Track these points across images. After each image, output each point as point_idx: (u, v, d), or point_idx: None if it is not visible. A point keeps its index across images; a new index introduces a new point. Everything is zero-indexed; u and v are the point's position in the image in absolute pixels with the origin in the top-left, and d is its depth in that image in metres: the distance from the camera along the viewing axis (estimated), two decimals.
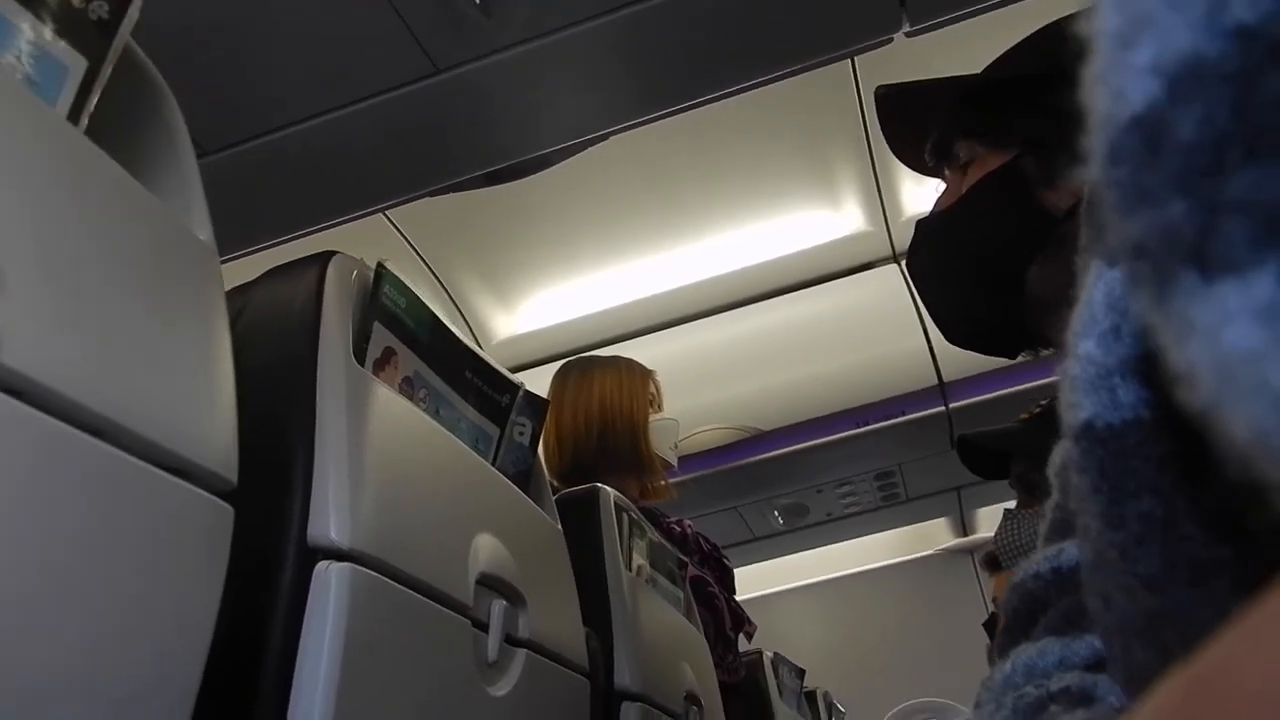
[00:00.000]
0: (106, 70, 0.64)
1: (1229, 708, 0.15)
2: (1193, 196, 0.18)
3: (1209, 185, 0.17)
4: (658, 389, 2.17)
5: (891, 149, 1.14)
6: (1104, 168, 0.19)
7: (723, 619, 2.01)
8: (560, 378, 2.13)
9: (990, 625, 2.60)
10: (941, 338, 1.10)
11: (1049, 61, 0.93)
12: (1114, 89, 0.18)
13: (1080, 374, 0.31)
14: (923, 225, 1.05)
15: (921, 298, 1.09)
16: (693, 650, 1.70)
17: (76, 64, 0.62)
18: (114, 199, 0.61)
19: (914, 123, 1.06)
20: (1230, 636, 0.16)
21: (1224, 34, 0.17)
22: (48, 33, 0.60)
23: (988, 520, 4.20)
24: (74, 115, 0.62)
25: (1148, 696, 0.18)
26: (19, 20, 0.59)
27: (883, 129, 1.12)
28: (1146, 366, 0.28)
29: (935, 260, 1.04)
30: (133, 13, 0.64)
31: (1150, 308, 0.19)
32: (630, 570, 1.47)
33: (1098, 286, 0.31)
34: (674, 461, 2.10)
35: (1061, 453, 0.45)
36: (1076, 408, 0.31)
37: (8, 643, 0.48)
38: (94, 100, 0.63)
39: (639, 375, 2.12)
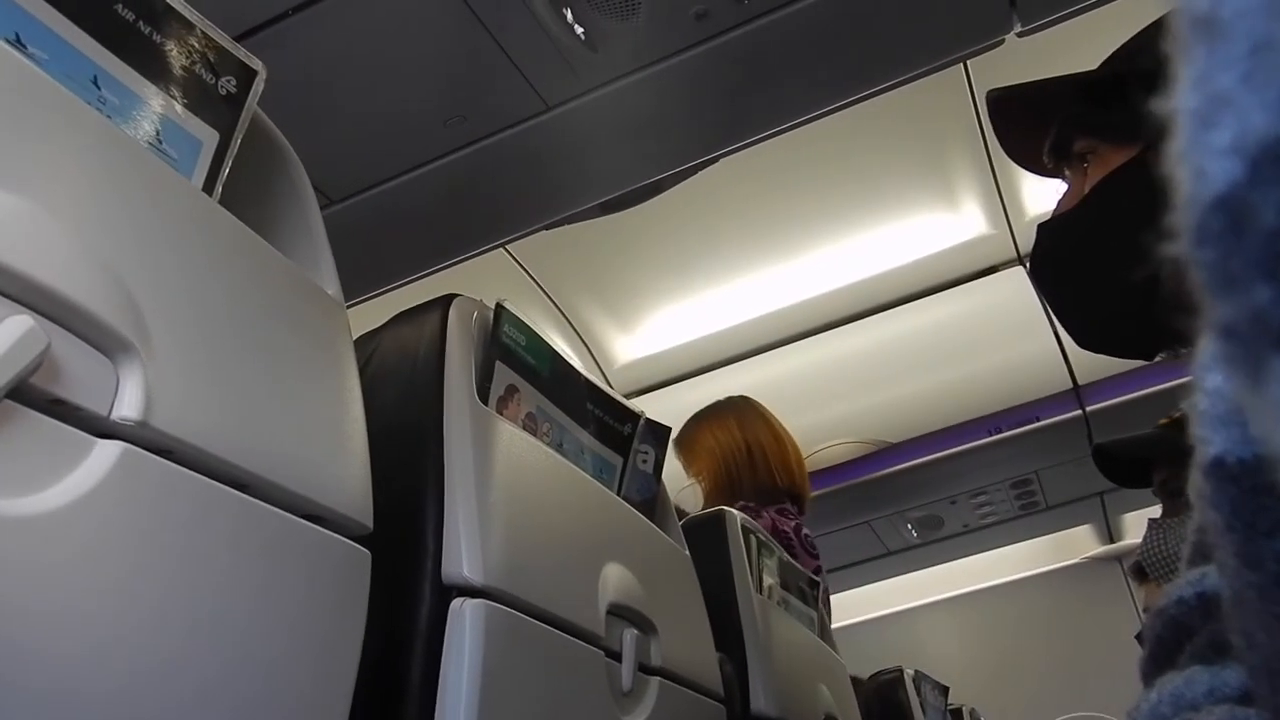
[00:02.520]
0: (236, 141, 0.68)
1: None
2: (1278, 281, 0.17)
3: None
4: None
5: (1007, 153, 1.11)
6: (1190, 248, 0.19)
7: None
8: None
9: (1143, 637, 2.48)
10: (1074, 340, 1.06)
11: (1171, 50, 0.90)
12: (1196, 169, 0.18)
13: (1209, 408, 0.29)
14: (1045, 229, 1.01)
15: (1049, 303, 1.06)
16: (829, 671, 1.68)
17: (209, 138, 0.66)
18: (247, 262, 0.65)
19: (1030, 124, 1.02)
20: None
21: None
22: (181, 110, 0.64)
23: (1135, 525, 4.03)
24: (208, 186, 0.66)
25: None
26: (155, 100, 0.63)
27: (997, 134, 1.09)
28: None
29: (1062, 263, 1.01)
30: (258, 85, 0.68)
31: (1243, 390, 0.19)
32: (761, 592, 1.46)
33: None
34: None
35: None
36: (1206, 443, 0.30)
37: (163, 689, 0.51)
38: (226, 170, 0.67)
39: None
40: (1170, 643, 0.48)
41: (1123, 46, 0.97)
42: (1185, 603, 0.47)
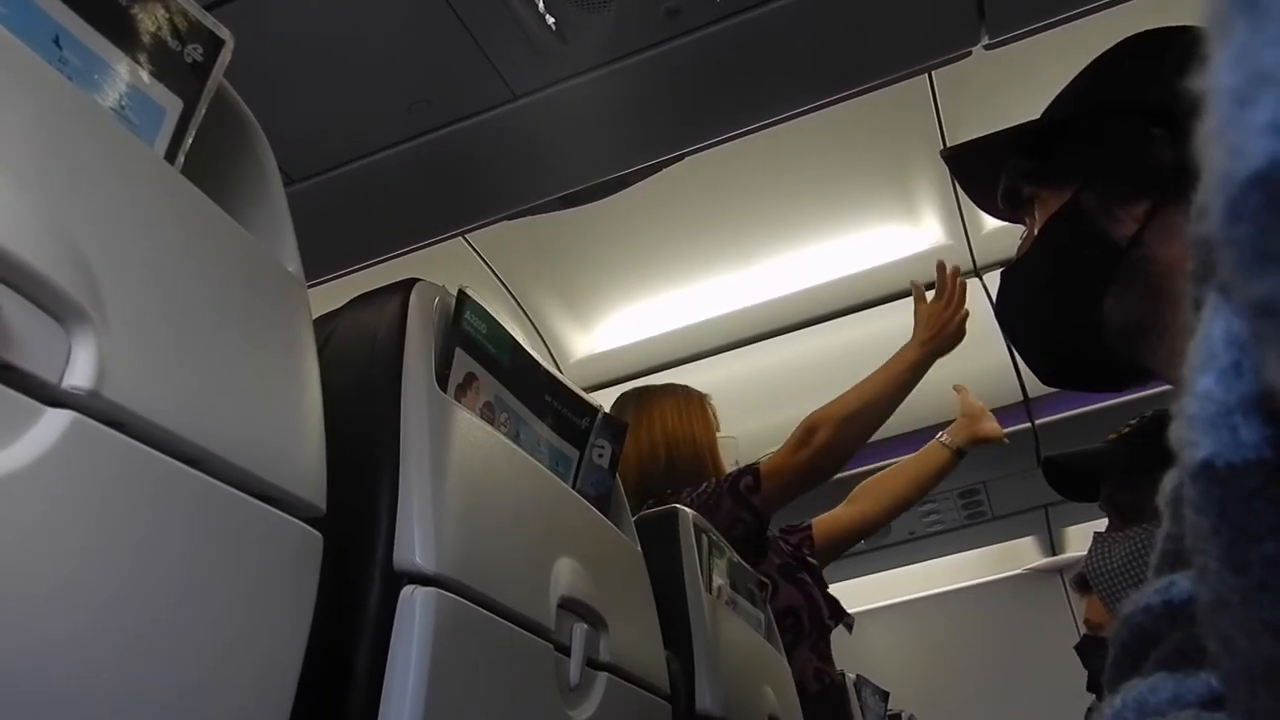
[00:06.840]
0: (201, 110, 0.67)
1: None
2: None
3: None
4: (714, 411, 2.24)
5: (975, 204, 1.14)
6: (1223, 226, 0.18)
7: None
8: (618, 409, 2.18)
9: (1082, 648, 2.52)
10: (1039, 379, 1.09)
11: (1092, 99, 0.93)
12: (1231, 146, 0.18)
13: (1198, 411, 0.29)
14: (1005, 274, 1.05)
15: (1013, 344, 1.09)
16: (774, 672, 1.69)
17: (173, 106, 0.65)
18: (207, 235, 0.63)
19: (985, 177, 1.06)
20: None
21: None
22: (146, 76, 0.63)
23: (1077, 539, 4.09)
24: (170, 155, 0.64)
25: None
26: (119, 65, 0.61)
27: (962, 188, 1.13)
28: (1270, 404, 0.27)
29: (1019, 306, 1.04)
30: (225, 55, 0.67)
31: (1274, 369, 0.18)
32: (710, 592, 1.46)
33: (1216, 320, 0.29)
34: None
35: (1173, 481, 0.43)
36: (1194, 446, 0.29)
37: (107, 668, 0.50)
38: (189, 139, 0.66)
39: (696, 398, 2.21)
40: (1135, 649, 0.48)
41: (1056, 97, 1.01)
42: (1152, 610, 0.47)
